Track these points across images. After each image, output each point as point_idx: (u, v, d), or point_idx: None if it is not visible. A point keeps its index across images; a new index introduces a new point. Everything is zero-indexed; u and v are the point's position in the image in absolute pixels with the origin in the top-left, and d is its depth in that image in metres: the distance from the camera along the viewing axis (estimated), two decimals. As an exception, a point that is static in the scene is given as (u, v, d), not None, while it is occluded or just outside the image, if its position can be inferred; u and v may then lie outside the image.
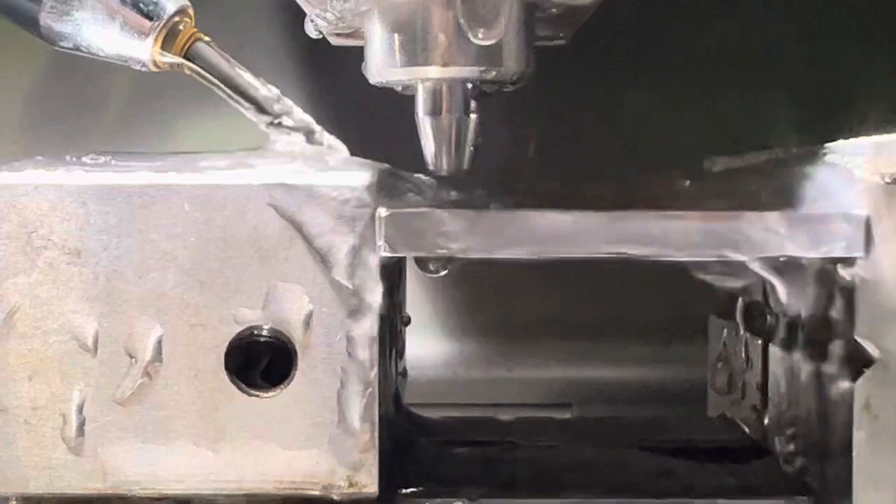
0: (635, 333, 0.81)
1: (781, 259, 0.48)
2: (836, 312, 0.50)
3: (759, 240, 0.47)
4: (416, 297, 0.76)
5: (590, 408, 0.79)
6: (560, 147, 0.79)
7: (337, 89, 0.74)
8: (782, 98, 0.80)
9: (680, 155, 0.73)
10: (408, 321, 0.64)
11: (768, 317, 0.58)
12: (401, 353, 0.62)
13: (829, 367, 0.50)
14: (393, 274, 0.54)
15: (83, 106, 0.82)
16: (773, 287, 0.54)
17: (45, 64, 0.81)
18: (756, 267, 0.48)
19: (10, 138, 0.82)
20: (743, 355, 0.62)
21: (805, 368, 0.53)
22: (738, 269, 0.49)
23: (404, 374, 0.63)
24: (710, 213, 0.47)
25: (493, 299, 0.81)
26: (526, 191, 0.51)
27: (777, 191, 0.50)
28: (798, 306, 0.54)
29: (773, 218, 0.47)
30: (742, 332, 0.62)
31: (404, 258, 0.57)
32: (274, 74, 0.55)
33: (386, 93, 0.54)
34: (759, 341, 0.60)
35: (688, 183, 0.52)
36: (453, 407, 0.73)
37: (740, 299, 0.62)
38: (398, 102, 0.54)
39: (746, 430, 0.61)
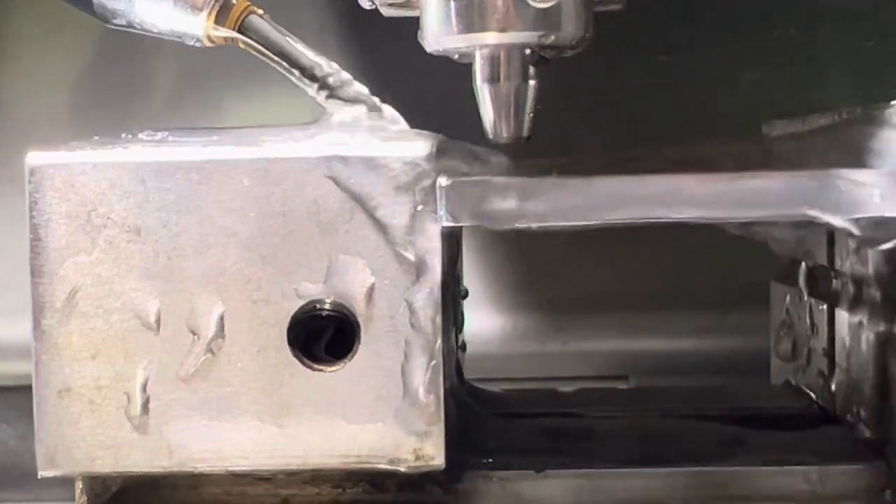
0: (692, 303, 0.80)
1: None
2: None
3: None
4: (470, 271, 0.75)
5: (647, 379, 0.79)
6: (613, 112, 0.78)
7: (390, 60, 0.73)
8: (842, 59, 0.78)
9: (737, 118, 0.72)
10: (465, 294, 0.64)
11: (833, 281, 0.57)
12: (460, 327, 0.61)
13: (901, 330, 0.49)
14: (452, 244, 0.53)
15: (131, 88, 0.81)
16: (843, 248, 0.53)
17: (92, 47, 0.81)
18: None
19: (60, 121, 0.82)
20: (807, 321, 0.61)
21: (874, 333, 0.52)
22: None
23: (463, 347, 0.63)
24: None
25: (547, 271, 0.80)
26: (584, 158, 0.51)
27: (844, 152, 0.49)
28: (869, 268, 0.53)
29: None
30: (806, 297, 0.61)
31: (461, 229, 0.56)
32: (325, 46, 0.55)
33: (441, 62, 0.53)
34: (825, 306, 0.59)
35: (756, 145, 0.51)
36: (509, 381, 0.72)
37: (803, 264, 0.61)
38: (454, 71, 0.53)
39: (813, 396, 0.60)
